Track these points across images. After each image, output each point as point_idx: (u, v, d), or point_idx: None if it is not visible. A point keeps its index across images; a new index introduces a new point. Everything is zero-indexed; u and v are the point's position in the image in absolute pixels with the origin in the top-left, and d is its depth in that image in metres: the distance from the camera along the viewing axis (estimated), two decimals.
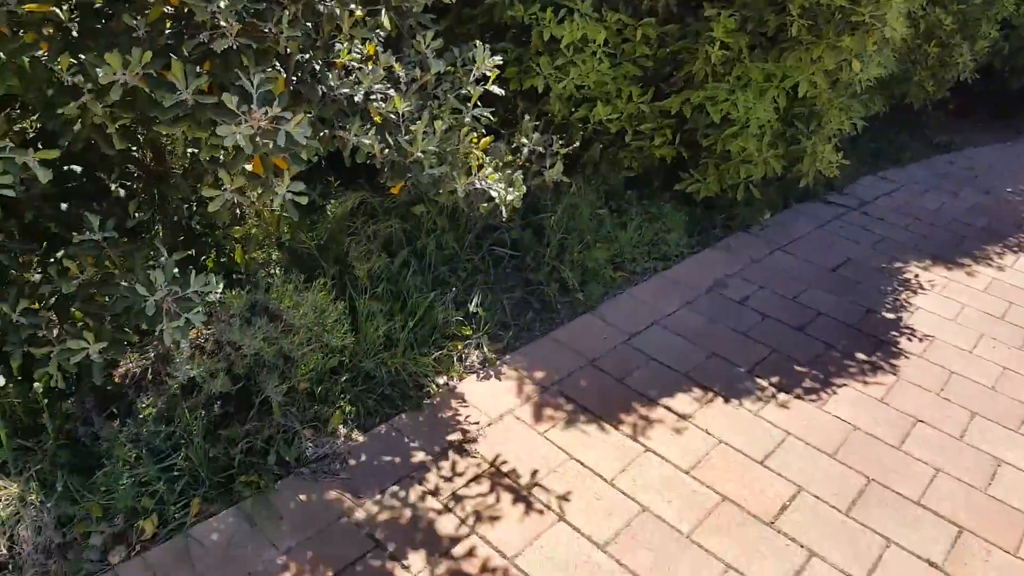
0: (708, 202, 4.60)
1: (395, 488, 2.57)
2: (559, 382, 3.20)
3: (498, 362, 3.25)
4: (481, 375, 3.17)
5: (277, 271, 3.01)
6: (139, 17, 1.91)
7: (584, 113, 4.06)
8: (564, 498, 2.62)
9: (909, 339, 3.89)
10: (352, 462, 2.64)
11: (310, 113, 2.60)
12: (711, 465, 2.87)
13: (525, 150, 3.19)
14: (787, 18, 3.74)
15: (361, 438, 2.75)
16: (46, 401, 2.28)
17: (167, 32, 2.04)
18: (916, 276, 4.55)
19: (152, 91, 1.88)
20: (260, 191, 2.18)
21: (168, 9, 2.05)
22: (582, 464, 2.79)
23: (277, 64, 2.23)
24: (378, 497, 2.53)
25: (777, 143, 4.35)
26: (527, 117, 3.27)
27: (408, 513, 2.48)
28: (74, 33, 2.01)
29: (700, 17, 3.88)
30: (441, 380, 3.07)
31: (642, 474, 2.79)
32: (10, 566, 2.07)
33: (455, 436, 2.83)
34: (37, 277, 2.41)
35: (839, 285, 4.31)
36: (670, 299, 3.92)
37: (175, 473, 2.40)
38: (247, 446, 2.54)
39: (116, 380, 2.57)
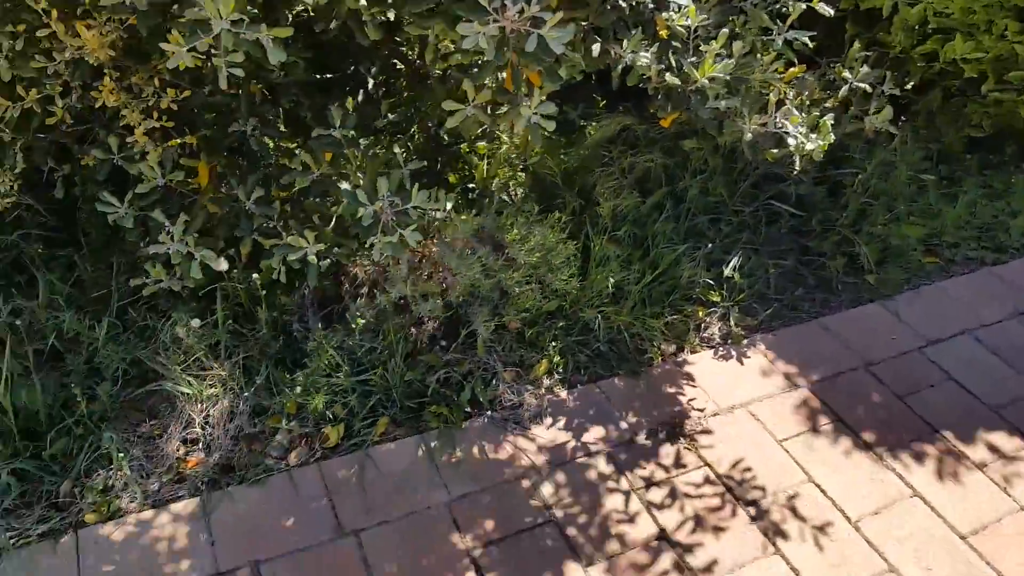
0: None
1: (587, 461, 2.26)
2: (818, 382, 2.61)
3: (744, 341, 2.73)
4: (720, 353, 2.69)
5: (516, 194, 2.77)
6: None
7: (933, 48, 3.18)
8: (784, 527, 2.12)
9: None
10: (548, 420, 2.37)
11: (585, 21, 2.24)
12: (1001, 534, 2.16)
13: (845, 88, 2.53)
14: None
15: (563, 394, 2.46)
16: (264, 292, 2.29)
17: None
18: None
19: None
20: (505, 109, 1.89)
21: None
22: (823, 491, 2.25)
23: None
24: (567, 469, 2.24)
25: None
26: (856, 45, 2.57)
27: (595, 497, 2.16)
28: None
29: None
30: (669, 348, 2.65)
31: (900, 523, 2.17)
32: (200, 443, 2.13)
33: (671, 418, 2.42)
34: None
35: None
36: (995, 304, 3.03)
37: (369, 387, 2.32)
38: (444, 376, 2.39)
39: (339, 283, 2.54)
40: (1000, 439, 2.44)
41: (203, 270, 2.07)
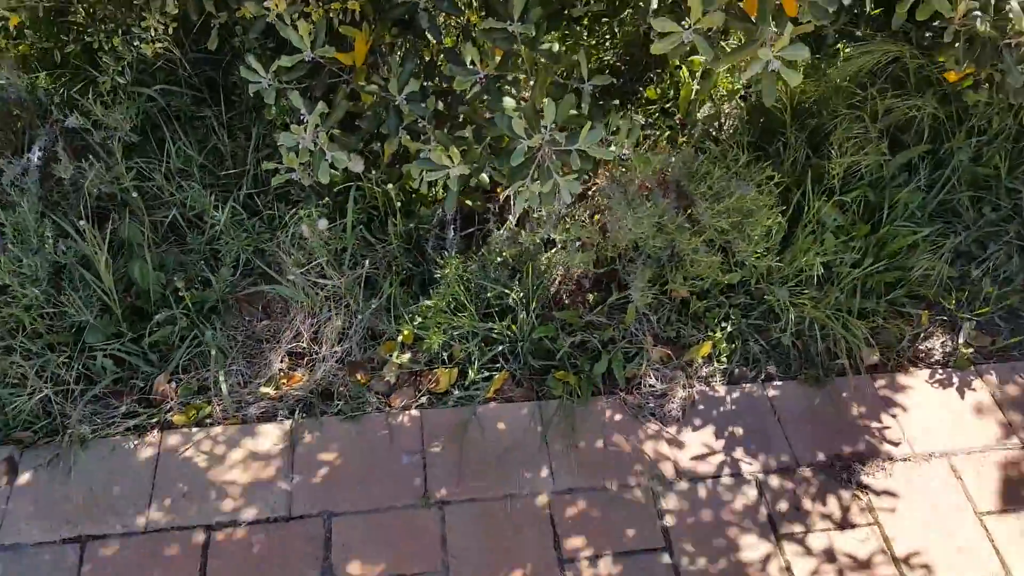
0: None
1: (731, 485, 1.86)
2: None
3: (972, 368, 2.12)
4: (937, 376, 2.11)
5: (726, 128, 2.21)
6: None
7: None
8: None
9: None
10: (696, 419, 1.97)
11: None
12: None
13: None
14: None
15: (722, 390, 2.03)
16: (401, 201, 1.98)
17: None
18: None
19: None
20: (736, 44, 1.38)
21: None
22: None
23: None
24: (703, 488, 1.86)
25: None
26: None
27: (727, 539, 1.78)
28: None
29: None
30: (872, 358, 2.10)
31: None
32: (304, 360, 1.95)
33: (850, 453, 1.94)
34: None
35: None
36: None
37: (494, 335, 2.01)
38: (580, 341, 2.03)
39: (488, 201, 2.19)
40: None
41: (336, 169, 1.80)
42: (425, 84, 2.03)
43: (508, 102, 1.79)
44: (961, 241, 2.29)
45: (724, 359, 2.06)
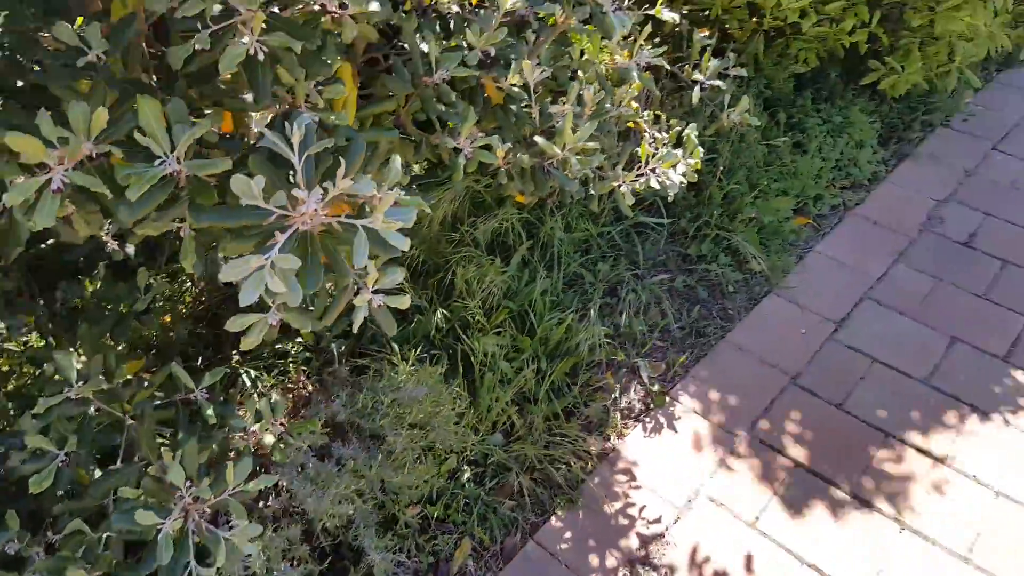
0: (900, 96, 3.37)
1: None
2: (753, 423, 2.28)
3: (667, 399, 2.34)
4: (649, 426, 2.27)
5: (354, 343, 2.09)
6: None
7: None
8: None
9: None
10: None
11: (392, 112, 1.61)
12: (995, 535, 1.99)
13: (696, 90, 2.09)
14: None
15: (501, 571, 1.92)
16: None
17: None
18: None
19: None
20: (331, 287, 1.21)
21: None
22: (819, 573, 1.94)
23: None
24: None
25: (1009, 6, 3.06)
26: (694, 32, 2.14)
27: None
28: None
29: None
30: (596, 447, 2.19)
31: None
32: None
33: (631, 545, 1.98)
34: None
35: None
36: (876, 253, 2.87)
37: None
38: None
39: None
40: (949, 412, 2.26)
41: None
42: None
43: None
44: (595, 298, 2.50)
45: (488, 539, 1.96)
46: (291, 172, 0.95)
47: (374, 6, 1.24)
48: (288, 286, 0.89)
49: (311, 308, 1.18)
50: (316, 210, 0.92)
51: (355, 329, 1.12)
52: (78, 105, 0.92)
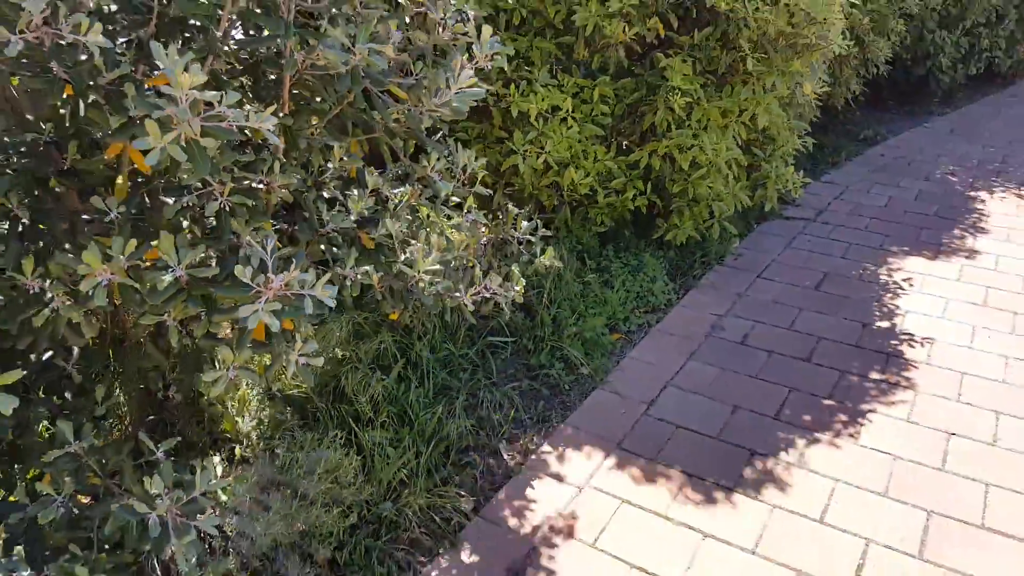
0: (681, 244, 4.49)
1: None
2: (591, 476, 2.96)
3: (523, 467, 2.99)
4: (509, 489, 2.91)
5: (274, 430, 2.68)
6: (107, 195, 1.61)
7: (553, 179, 3.89)
8: None
9: (911, 345, 3.85)
10: None
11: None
12: (773, 536, 2.69)
13: (515, 242, 2.98)
14: (737, 54, 3.67)
15: None
16: None
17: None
18: (891, 278, 4.55)
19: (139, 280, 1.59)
20: (270, 361, 1.89)
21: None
22: (645, 573, 2.56)
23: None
24: None
25: (739, 175, 4.29)
26: (509, 205, 3.08)
27: None
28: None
29: (651, 67, 3.78)
30: (468, 506, 2.79)
31: (707, 567, 2.57)
32: None
33: (497, 569, 2.55)
34: None
35: (827, 304, 4.25)
36: (673, 354, 3.75)
37: None
38: None
39: None
40: (734, 456, 3.03)
41: None
42: None
43: (114, 507, 1.95)
44: (463, 400, 3.20)
45: None
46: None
47: (292, 179, 2.05)
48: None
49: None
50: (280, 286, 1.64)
51: (288, 376, 1.81)
52: (115, 239, 1.62)
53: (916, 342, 3.88)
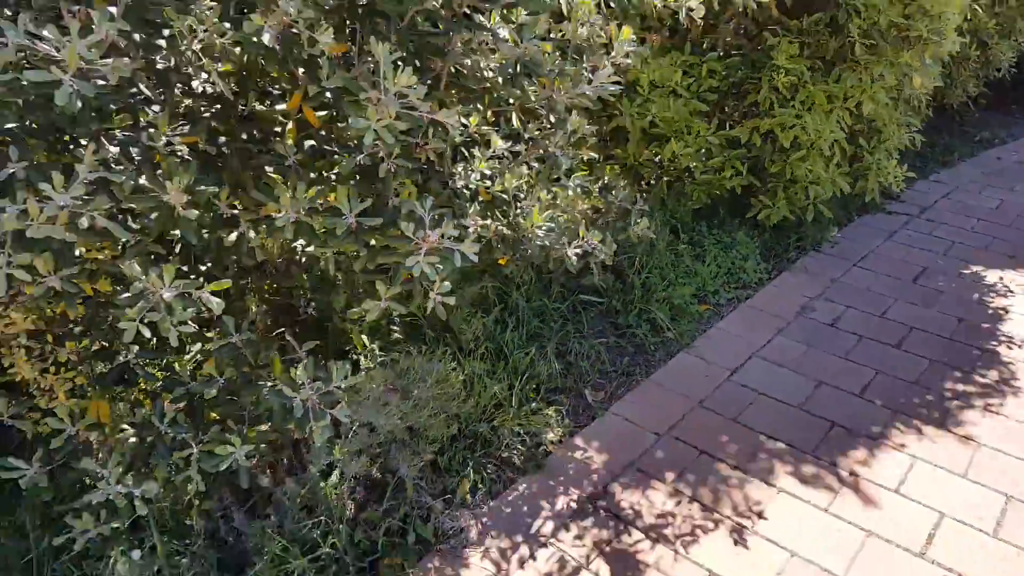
0: (776, 225, 4.56)
1: (528, 551, 2.50)
2: (672, 428, 3.12)
3: (607, 412, 3.19)
4: (593, 428, 3.11)
5: (395, 345, 2.99)
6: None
7: (655, 151, 4.06)
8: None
9: (1009, 347, 3.79)
10: (493, 533, 2.58)
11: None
12: (847, 502, 2.78)
13: (613, 207, 3.18)
14: (847, 40, 3.73)
15: (491, 504, 2.69)
16: (197, 503, 2.24)
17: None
18: (1000, 279, 4.45)
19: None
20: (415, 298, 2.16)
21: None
22: (701, 506, 2.71)
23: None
24: (520, 566, 2.46)
25: (841, 162, 4.33)
26: (607, 175, 3.28)
27: None
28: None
29: (759, 47, 3.89)
30: (555, 437, 3.01)
31: (785, 520, 2.70)
32: None
33: (580, 493, 2.76)
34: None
35: (924, 297, 4.23)
36: (761, 329, 3.85)
37: (321, 563, 2.35)
38: (386, 527, 2.49)
39: (254, 473, 2.53)
40: (817, 427, 3.13)
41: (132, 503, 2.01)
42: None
43: (265, 387, 2.28)
44: (553, 347, 3.42)
45: (481, 482, 2.74)
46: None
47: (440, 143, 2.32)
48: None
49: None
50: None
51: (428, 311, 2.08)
52: (299, 184, 1.92)
53: (1016, 344, 3.82)
